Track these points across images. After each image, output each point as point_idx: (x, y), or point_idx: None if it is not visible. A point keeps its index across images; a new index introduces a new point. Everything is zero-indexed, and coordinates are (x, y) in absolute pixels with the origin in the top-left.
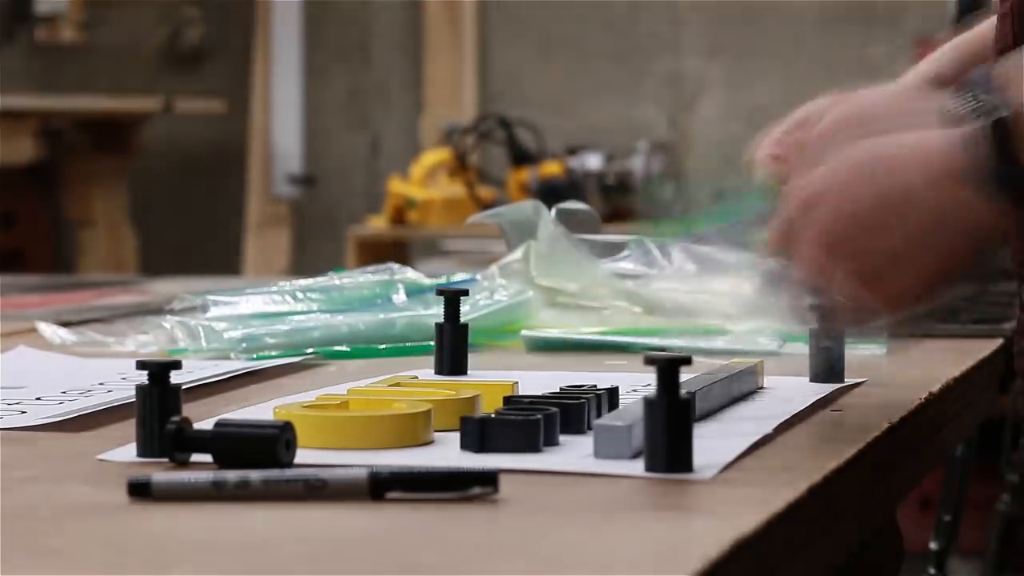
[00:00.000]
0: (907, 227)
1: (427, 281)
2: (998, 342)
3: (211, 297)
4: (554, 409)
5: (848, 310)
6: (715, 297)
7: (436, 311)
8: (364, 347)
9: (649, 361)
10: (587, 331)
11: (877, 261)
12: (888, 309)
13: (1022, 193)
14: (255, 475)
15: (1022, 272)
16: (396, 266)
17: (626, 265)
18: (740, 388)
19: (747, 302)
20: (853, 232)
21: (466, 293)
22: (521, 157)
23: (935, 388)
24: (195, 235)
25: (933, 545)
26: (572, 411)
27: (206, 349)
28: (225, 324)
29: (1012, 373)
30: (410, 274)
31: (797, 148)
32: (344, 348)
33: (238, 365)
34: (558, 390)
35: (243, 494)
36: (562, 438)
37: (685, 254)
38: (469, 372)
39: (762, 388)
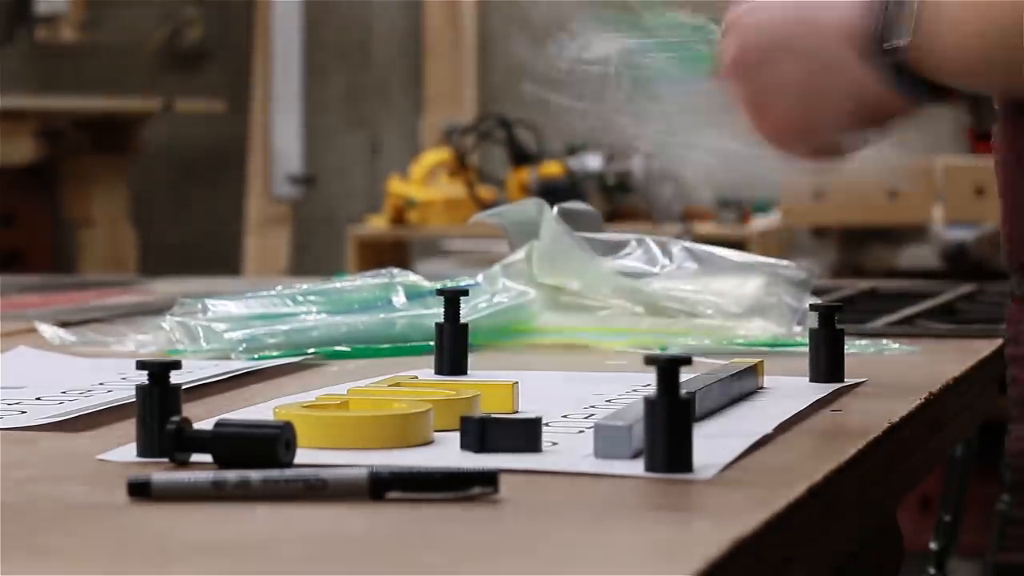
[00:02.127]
0: (798, 66)
1: (427, 284)
2: (998, 342)
3: (210, 301)
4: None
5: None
6: (716, 296)
7: (436, 311)
8: (364, 347)
9: (649, 361)
10: (588, 330)
11: (762, 90)
12: (766, 138)
13: (911, 77)
14: (255, 475)
15: (1012, 262)
16: (396, 270)
17: (628, 263)
18: (740, 388)
19: (748, 302)
20: (751, 59)
21: (466, 293)
22: (521, 157)
23: (935, 388)
24: (195, 235)
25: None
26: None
27: (206, 350)
28: (225, 325)
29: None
30: (411, 277)
31: None
32: (344, 348)
33: (238, 365)
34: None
35: (243, 494)
36: (562, 438)
37: (686, 253)
38: (469, 372)
39: (762, 388)
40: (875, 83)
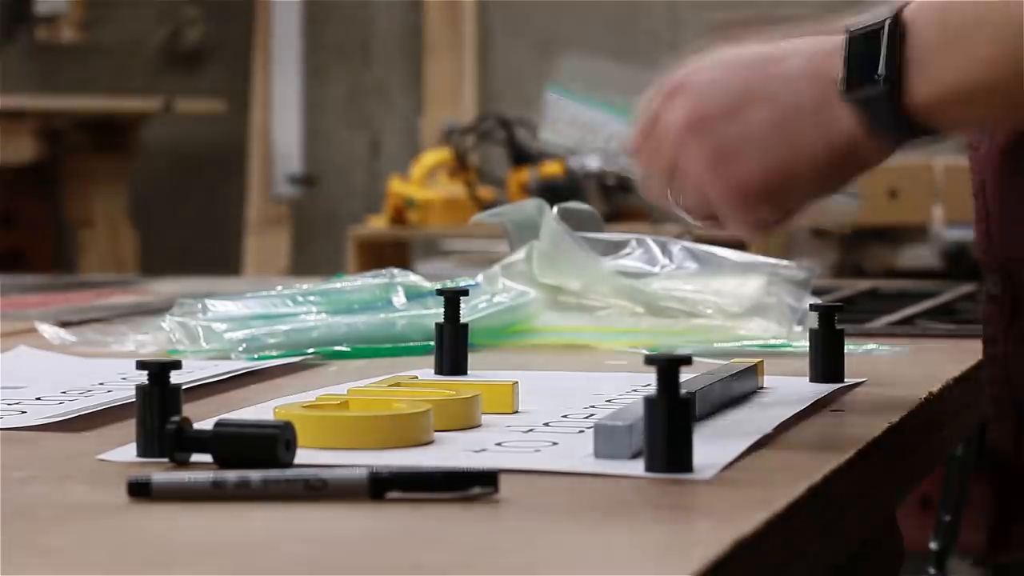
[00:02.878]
0: (765, 113)
1: (427, 284)
2: None
3: (210, 301)
4: None
5: (693, 201)
6: (716, 296)
7: (436, 311)
8: (364, 347)
9: (649, 361)
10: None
11: (727, 143)
12: (729, 200)
13: (894, 118)
14: (255, 475)
15: (987, 263)
16: (396, 270)
17: (628, 263)
18: (740, 388)
19: (748, 302)
20: (712, 112)
21: (466, 293)
22: (521, 157)
23: (935, 388)
24: (195, 235)
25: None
26: None
27: (206, 350)
28: (225, 325)
29: None
30: (411, 278)
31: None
32: (344, 348)
33: (238, 365)
34: None
35: (243, 494)
36: (562, 438)
37: (686, 253)
38: (469, 372)
39: (762, 388)
40: (850, 126)
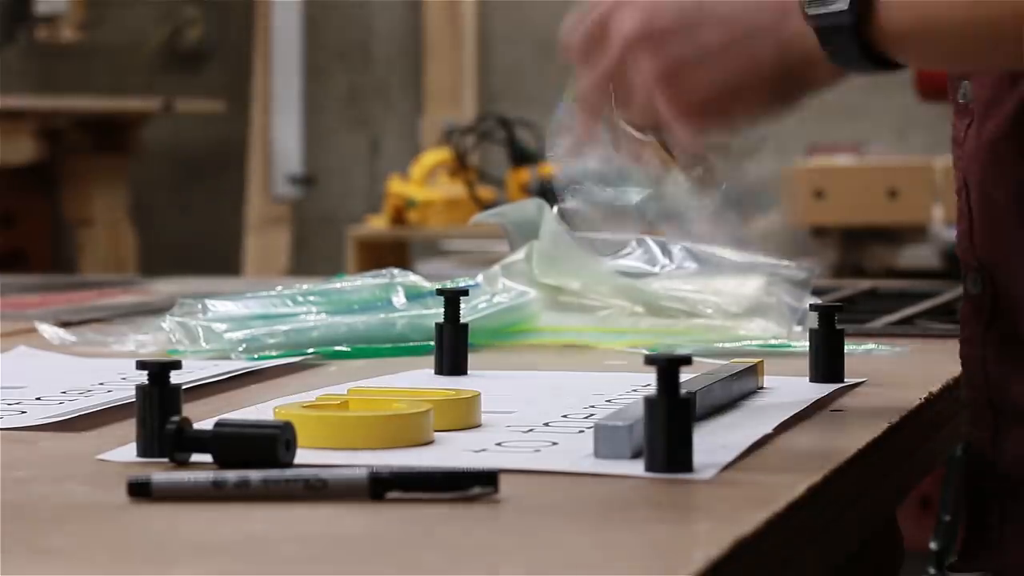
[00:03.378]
0: (721, 32)
1: (427, 285)
2: None
3: (210, 301)
4: None
5: (637, 113)
6: (716, 296)
7: (436, 311)
8: (364, 347)
9: (649, 361)
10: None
11: (680, 58)
12: (677, 114)
13: (855, 44)
14: (255, 475)
15: (967, 259)
16: (396, 270)
17: (628, 263)
18: (740, 388)
19: (748, 302)
20: (665, 26)
21: (466, 293)
22: (521, 157)
23: (935, 388)
24: (195, 235)
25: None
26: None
27: (206, 350)
28: (225, 325)
29: None
30: (411, 278)
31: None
32: (344, 348)
33: (238, 365)
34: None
35: (243, 494)
36: (562, 438)
37: (686, 253)
38: (469, 372)
39: (762, 388)
40: (806, 47)
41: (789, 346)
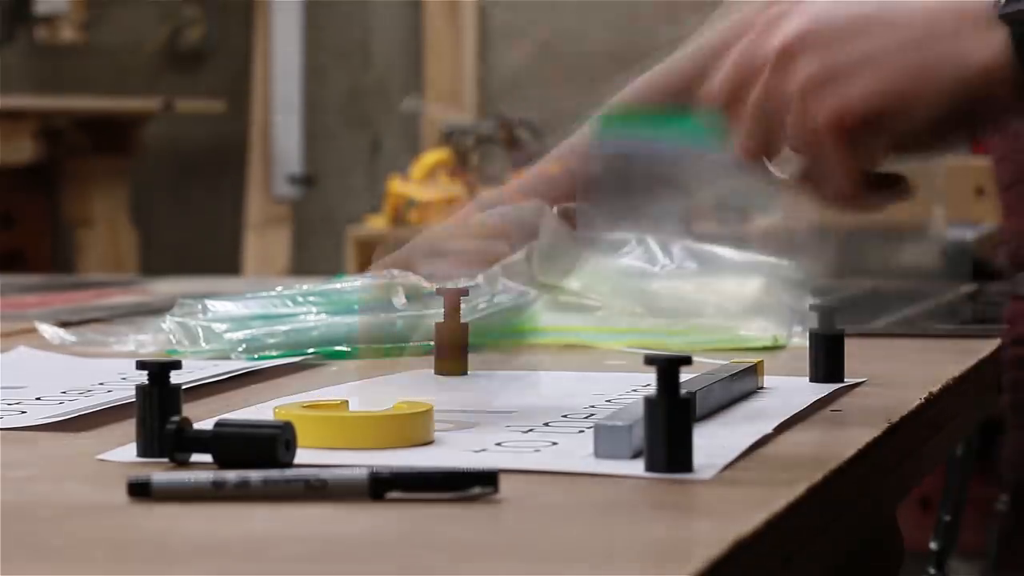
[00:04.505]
0: (892, 36)
1: (427, 285)
2: (998, 342)
3: (210, 301)
4: None
5: (789, 132)
6: (716, 296)
7: (436, 311)
8: (364, 347)
9: (649, 361)
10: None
11: (840, 61)
12: (831, 125)
13: None
14: (255, 475)
15: (1015, 261)
16: (396, 271)
17: (628, 262)
18: (740, 388)
19: (748, 301)
20: (827, 29)
21: (466, 293)
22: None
23: (935, 388)
24: (195, 235)
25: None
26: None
27: (206, 350)
28: (225, 325)
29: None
30: (411, 278)
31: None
32: (344, 348)
33: (238, 365)
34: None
35: (243, 494)
36: (562, 438)
37: (686, 252)
38: (469, 372)
39: (762, 388)
40: (990, 59)
41: (787, 346)
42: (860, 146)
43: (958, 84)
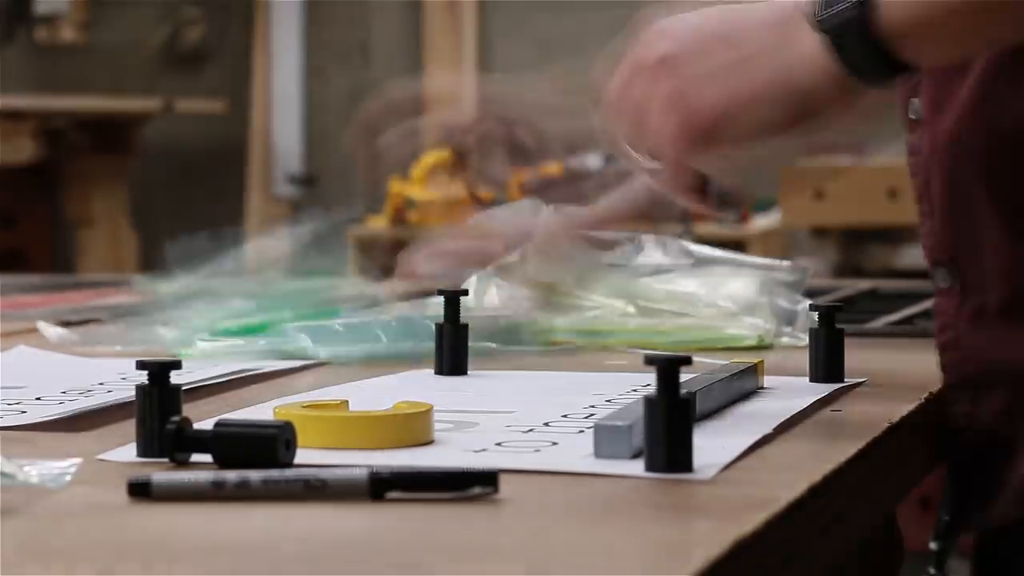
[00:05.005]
0: (730, 54)
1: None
2: None
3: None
4: None
5: (651, 141)
6: (710, 295)
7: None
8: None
9: (649, 361)
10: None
11: (689, 80)
12: (679, 135)
13: (866, 45)
14: (255, 475)
15: (936, 256)
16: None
17: (624, 261)
18: (740, 388)
19: (740, 301)
20: (682, 52)
21: (466, 293)
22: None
23: (935, 388)
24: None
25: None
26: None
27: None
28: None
29: None
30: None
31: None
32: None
33: (238, 365)
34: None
35: (243, 494)
36: (562, 438)
37: (681, 251)
38: (469, 372)
39: (762, 388)
40: (814, 60)
41: (777, 345)
42: (696, 151)
43: (788, 91)
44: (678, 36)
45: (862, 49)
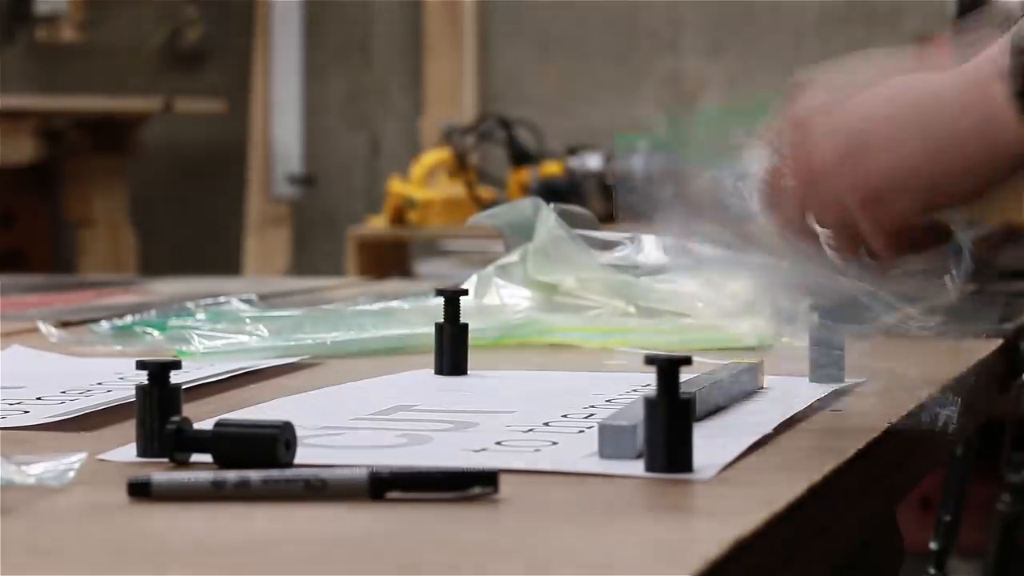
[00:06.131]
0: (920, 142)
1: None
2: (998, 342)
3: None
4: None
5: (847, 250)
6: (709, 295)
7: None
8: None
9: (649, 361)
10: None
11: (879, 180)
12: (889, 246)
13: None
14: (255, 475)
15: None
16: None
17: (623, 261)
18: (740, 388)
19: (740, 301)
20: (850, 151)
21: (465, 293)
22: (521, 157)
23: (935, 388)
24: (195, 235)
25: (933, 545)
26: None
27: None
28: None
29: (1012, 373)
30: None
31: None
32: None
33: (238, 365)
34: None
35: (243, 494)
36: (562, 438)
37: (680, 251)
38: (469, 372)
39: (762, 388)
40: (1013, 135)
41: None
42: (910, 252)
43: (993, 175)
44: (834, 130)
45: None
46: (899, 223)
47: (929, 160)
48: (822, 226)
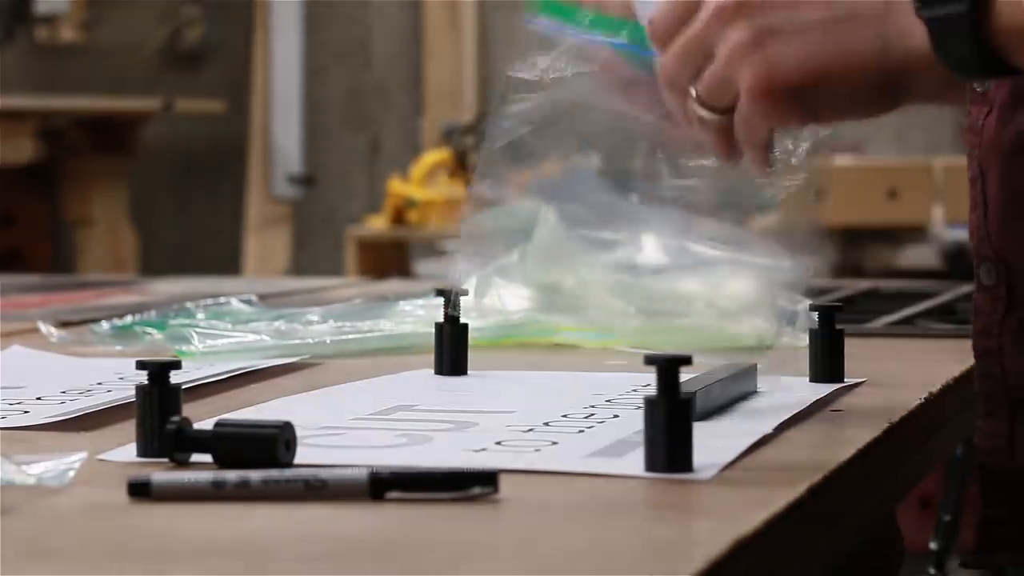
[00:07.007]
0: (824, 11)
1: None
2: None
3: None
4: None
5: (716, 89)
6: (709, 295)
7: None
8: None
9: (649, 361)
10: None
11: (773, 28)
12: (757, 89)
13: (970, 43)
14: (255, 475)
15: (982, 249)
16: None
17: (623, 261)
18: (740, 388)
19: (741, 301)
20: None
21: (466, 293)
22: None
23: (935, 388)
24: (195, 235)
25: (933, 545)
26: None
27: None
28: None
29: None
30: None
31: None
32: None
33: (238, 365)
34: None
35: (243, 494)
36: (562, 438)
37: (681, 251)
38: (469, 372)
39: (762, 388)
40: (912, 44)
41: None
42: (778, 111)
43: (879, 65)
44: None
45: (966, 47)
46: (778, 81)
47: (827, 27)
48: (701, 80)
